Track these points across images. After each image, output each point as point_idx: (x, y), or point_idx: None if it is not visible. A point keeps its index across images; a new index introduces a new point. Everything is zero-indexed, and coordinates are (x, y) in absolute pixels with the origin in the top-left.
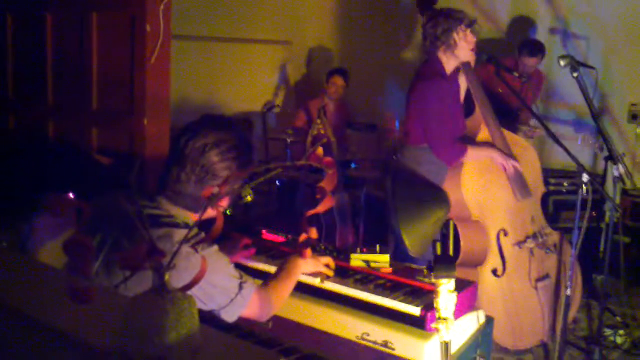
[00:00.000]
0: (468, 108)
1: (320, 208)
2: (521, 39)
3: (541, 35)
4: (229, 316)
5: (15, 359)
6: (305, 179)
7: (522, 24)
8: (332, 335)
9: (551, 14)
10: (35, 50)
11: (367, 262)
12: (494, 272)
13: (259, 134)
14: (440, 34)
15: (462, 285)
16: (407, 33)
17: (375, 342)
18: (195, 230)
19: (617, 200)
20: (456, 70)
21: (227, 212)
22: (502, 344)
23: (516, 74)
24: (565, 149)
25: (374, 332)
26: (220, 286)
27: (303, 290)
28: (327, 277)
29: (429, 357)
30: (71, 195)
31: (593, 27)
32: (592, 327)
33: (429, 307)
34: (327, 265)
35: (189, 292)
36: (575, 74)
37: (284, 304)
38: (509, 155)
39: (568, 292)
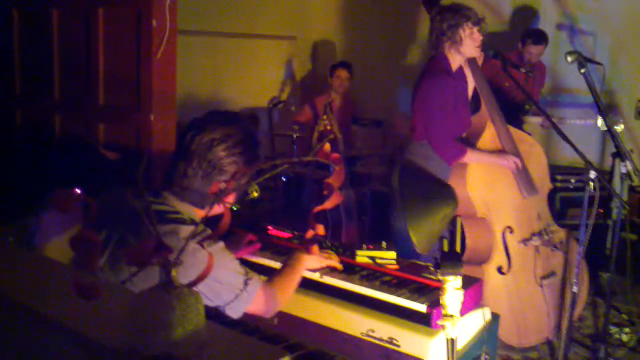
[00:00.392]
0: (474, 105)
1: (328, 204)
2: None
3: (548, 31)
4: (234, 312)
5: (21, 355)
6: (312, 175)
7: (528, 20)
8: (337, 331)
9: (558, 9)
10: (42, 46)
11: (373, 258)
12: (499, 269)
13: (264, 130)
14: (446, 29)
15: (468, 283)
16: (413, 28)
17: (380, 339)
18: (201, 226)
19: (625, 197)
20: (463, 66)
21: (234, 208)
22: (508, 341)
23: (523, 70)
24: (573, 145)
25: (380, 328)
26: (226, 282)
27: (308, 286)
28: (332, 271)
29: (434, 354)
30: (78, 190)
31: (600, 23)
32: (597, 325)
33: (435, 304)
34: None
35: (194, 288)
36: (582, 70)
37: (289, 300)
38: (514, 153)
39: (574, 289)
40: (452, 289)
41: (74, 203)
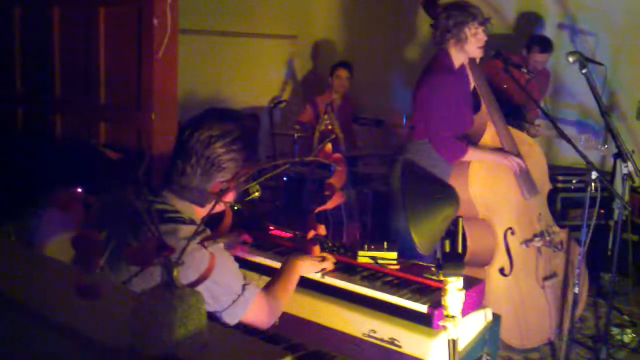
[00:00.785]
0: (474, 105)
1: (330, 205)
2: (528, 34)
3: (549, 31)
4: (231, 318)
5: (21, 355)
6: (313, 175)
7: (530, 20)
8: (338, 332)
9: (559, 9)
10: (43, 44)
11: (374, 259)
12: (502, 271)
13: (266, 129)
14: (451, 26)
15: (470, 283)
16: (413, 27)
17: (382, 340)
18: (201, 226)
19: (626, 198)
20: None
21: (235, 207)
22: (509, 342)
23: (524, 70)
24: (574, 146)
25: (381, 329)
26: (224, 285)
27: (309, 287)
28: (330, 272)
29: (435, 354)
30: (79, 189)
31: (601, 23)
32: (599, 326)
33: (436, 304)
34: (324, 260)
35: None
36: (584, 71)
37: (285, 308)
38: (515, 153)
39: (576, 290)
40: (454, 289)
41: (75, 202)
